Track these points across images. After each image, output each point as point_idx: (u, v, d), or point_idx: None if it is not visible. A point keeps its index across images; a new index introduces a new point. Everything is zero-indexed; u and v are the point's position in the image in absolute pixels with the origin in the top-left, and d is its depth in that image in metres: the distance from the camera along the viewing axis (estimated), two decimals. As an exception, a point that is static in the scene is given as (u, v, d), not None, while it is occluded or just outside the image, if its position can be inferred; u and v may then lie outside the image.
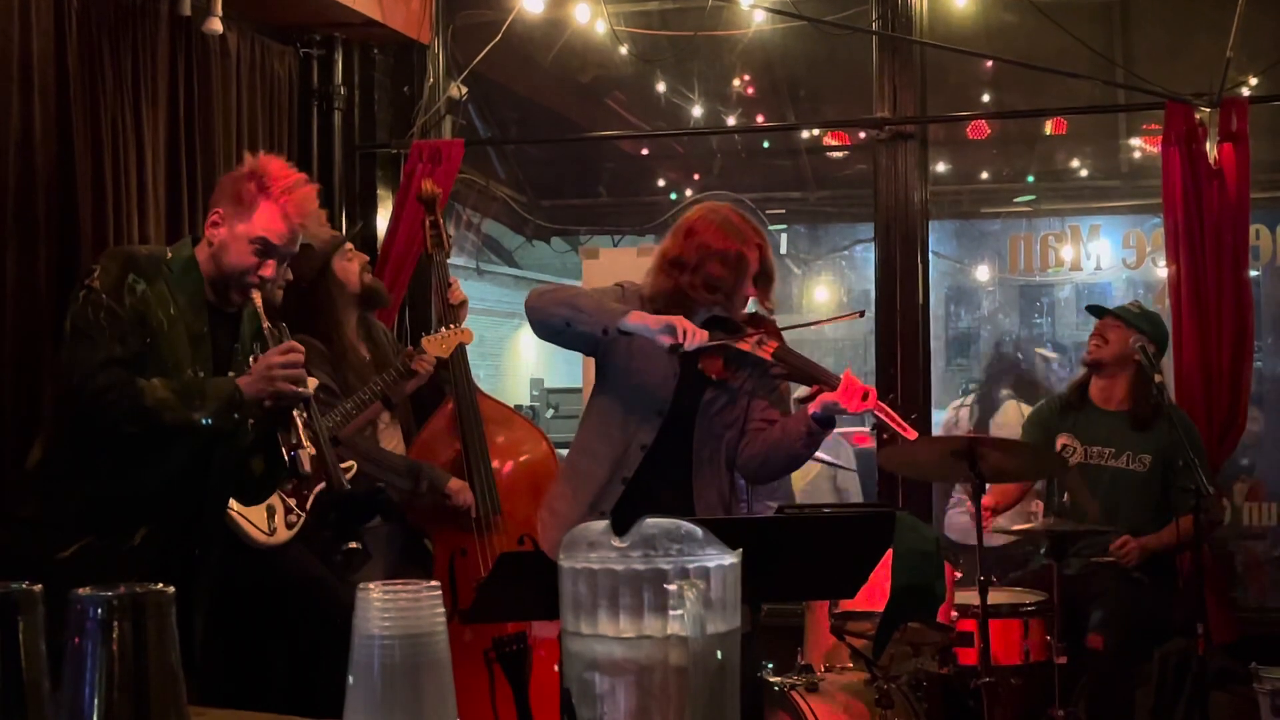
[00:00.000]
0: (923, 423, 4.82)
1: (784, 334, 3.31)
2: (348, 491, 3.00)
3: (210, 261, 2.97)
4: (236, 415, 2.85)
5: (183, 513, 3.00)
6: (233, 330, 3.06)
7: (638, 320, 3.09)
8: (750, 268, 3.25)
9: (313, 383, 2.93)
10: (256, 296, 2.94)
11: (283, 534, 3.68)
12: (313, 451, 2.83)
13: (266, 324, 2.95)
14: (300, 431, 2.83)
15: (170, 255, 2.98)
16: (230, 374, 2.96)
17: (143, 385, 2.78)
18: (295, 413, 2.84)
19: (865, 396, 3.08)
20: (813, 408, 3.15)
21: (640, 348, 3.23)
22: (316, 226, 3.03)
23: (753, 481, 3.74)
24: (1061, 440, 4.47)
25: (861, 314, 3.82)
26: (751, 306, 3.39)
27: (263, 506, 3.61)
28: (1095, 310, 4.62)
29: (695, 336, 3.04)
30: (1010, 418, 6.89)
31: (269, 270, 2.94)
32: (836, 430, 4.12)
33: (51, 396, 3.27)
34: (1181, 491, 3.98)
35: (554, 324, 3.21)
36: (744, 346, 3.22)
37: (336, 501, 2.92)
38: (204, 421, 2.81)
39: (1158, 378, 4.14)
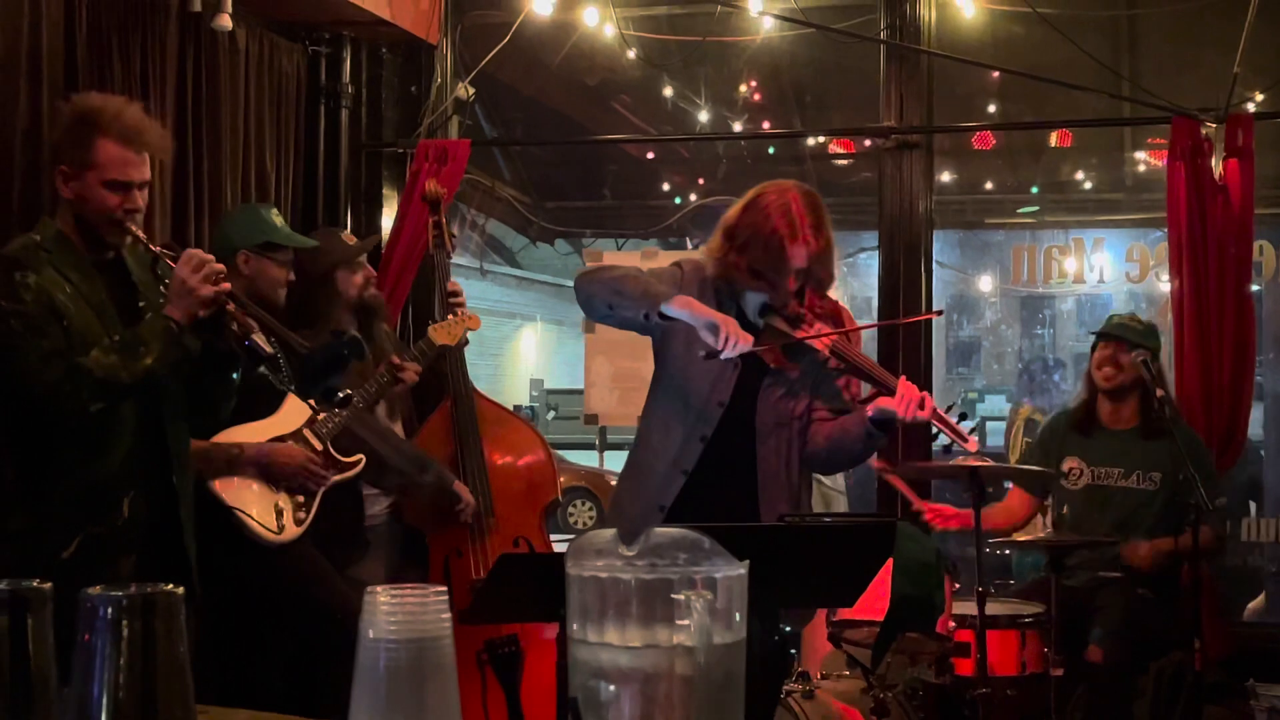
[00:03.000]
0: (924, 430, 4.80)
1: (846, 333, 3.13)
2: (309, 350, 2.96)
3: (74, 220, 2.96)
4: (182, 344, 2.85)
5: (154, 465, 2.99)
6: (124, 279, 3.03)
7: (682, 306, 2.92)
8: (791, 262, 3.04)
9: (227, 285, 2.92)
10: (133, 228, 2.95)
11: (291, 531, 3.66)
12: (260, 333, 2.86)
13: (156, 248, 2.96)
14: (242, 321, 2.86)
15: (39, 237, 2.96)
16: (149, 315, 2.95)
17: (86, 363, 2.78)
18: (228, 308, 2.86)
19: (921, 404, 2.96)
20: (869, 409, 3.05)
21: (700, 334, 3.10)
22: (157, 138, 3.06)
23: (820, 474, 3.64)
24: (1069, 464, 4.44)
25: (940, 312, 3.84)
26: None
27: (270, 506, 3.60)
28: (1104, 334, 4.51)
29: (737, 343, 2.86)
30: None
31: (133, 202, 2.95)
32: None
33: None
34: (1182, 506, 3.99)
35: (598, 307, 3.09)
36: (800, 337, 3.07)
37: (303, 366, 2.90)
38: (157, 366, 2.80)
39: (1160, 392, 4.14)
